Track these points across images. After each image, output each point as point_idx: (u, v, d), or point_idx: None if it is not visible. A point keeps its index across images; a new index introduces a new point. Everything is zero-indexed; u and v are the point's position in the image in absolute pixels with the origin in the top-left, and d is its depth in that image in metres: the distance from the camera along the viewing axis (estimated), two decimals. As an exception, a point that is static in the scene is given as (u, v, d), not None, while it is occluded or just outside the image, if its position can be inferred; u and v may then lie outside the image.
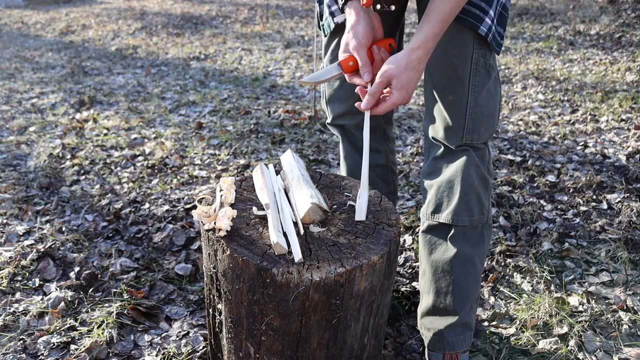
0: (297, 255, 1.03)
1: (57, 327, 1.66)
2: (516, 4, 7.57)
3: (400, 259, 2.03)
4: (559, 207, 2.34)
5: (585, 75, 4.27)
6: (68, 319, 1.70)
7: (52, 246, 2.07)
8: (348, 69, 1.27)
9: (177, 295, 1.85)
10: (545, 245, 2.04)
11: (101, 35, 6.91)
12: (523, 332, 1.63)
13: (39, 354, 1.56)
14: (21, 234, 2.18)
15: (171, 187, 2.60)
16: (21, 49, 6.29)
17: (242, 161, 2.87)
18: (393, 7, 1.21)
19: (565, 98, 3.78)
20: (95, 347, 1.56)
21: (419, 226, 2.10)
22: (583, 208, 2.30)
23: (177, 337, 1.63)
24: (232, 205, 1.23)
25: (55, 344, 1.59)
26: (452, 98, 1.32)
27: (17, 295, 1.82)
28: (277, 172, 1.38)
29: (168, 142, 3.16)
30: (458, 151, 1.36)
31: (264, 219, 1.18)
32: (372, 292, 1.12)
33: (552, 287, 1.82)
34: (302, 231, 1.13)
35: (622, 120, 3.28)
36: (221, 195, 1.21)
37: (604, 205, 2.32)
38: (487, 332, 1.64)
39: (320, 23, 1.50)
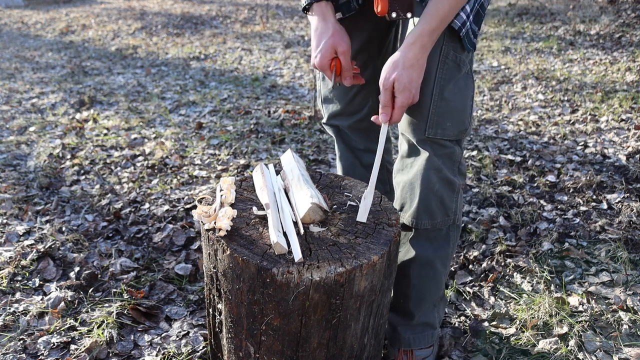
0: (297, 255, 1.03)
1: (57, 327, 1.66)
2: (516, 4, 7.57)
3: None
4: (559, 207, 2.34)
5: (585, 75, 4.27)
6: (68, 319, 1.70)
7: (52, 246, 2.07)
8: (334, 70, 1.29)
9: (177, 295, 1.85)
10: (545, 245, 2.04)
11: (101, 35, 6.90)
12: (523, 332, 1.63)
13: (39, 354, 1.56)
14: (21, 234, 2.18)
15: (171, 187, 2.60)
16: (21, 49, 6.29)
17: (242, 161, 2.87)
18: (410, 15, 1.17)
19: (565, 98, 3.78)
20: (95, 347, 1.56)
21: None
22: (583, 208, 2.30)
23: (177, 337, 1.63)
24: (232, 205, 1.23)
25: (55, 344, 1.59)
26: None
27: (17, 295, 1.82)
28: (277, 172, 1.38)
29: (168, 142, 3.16)
30: (421, 148, 1.31)
31: (264, 218, 1.18)
32: (372, 292, 1.12)
33: (552, 287, 1.82)
34: (302, 231, 1.13)
35: (622, 120, 3.28)
36: (221, 195, 1.21)
37: (604, 205, 2.32)
38: (487, 332, 1.64)
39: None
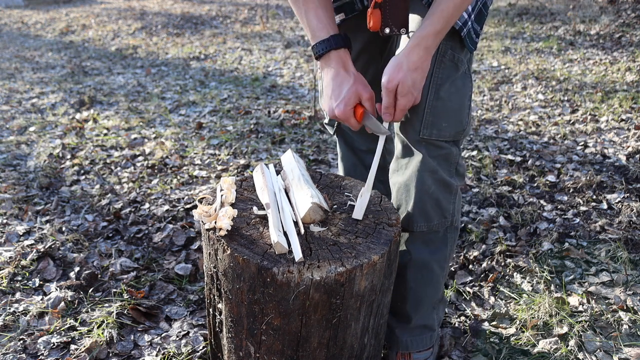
0: (298, 254, 1.03)
1: (57, 327, 1.66)
2: (516, 4, 7.57)
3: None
4: (559, 207, 2.34)
5: (585, 75, 4.27)
6: (68, 319, 1.70)
7: (52, 246, 2.06)
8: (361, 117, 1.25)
9: (177, 295, 1.85)
10: (545, 245, 2.04)
11: (101, 35, 6.91)
12: (523, 332, 1.63)
13: (39, 354, 1.56)
14: (21, 234, 2.18)
15: (171, 187, 2.60)
16: (21, 49, 6.29)
17: (242, 161, 2.87)
18: (404, 31, 1.14)
19: (565, 98, 3.78)
20: (95, 347, 1.56)
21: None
22: (583, 208, 2.31)
23: (177, 337, 1.63)
24: (232, 205, 1.23)
25: (55, 344, 1.59)
26: None
27: (17, 295, 1.82)
28: (278, 172, 1.38)
29: (168, 142, 3.16)
30: (415, 149, 1.29)
31: (264, 218, 1.18)
32: (373, 292, 1.12)
33: (552, 287, 1.82)
34: (302, 231, 1.13)
35: (622, 120, 3.28)
36: (222, 195, 1.21)
37: (604, 205, 2.32)
38: (487, 332, 1.64)
39: None
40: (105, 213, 2.38)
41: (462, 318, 1.72)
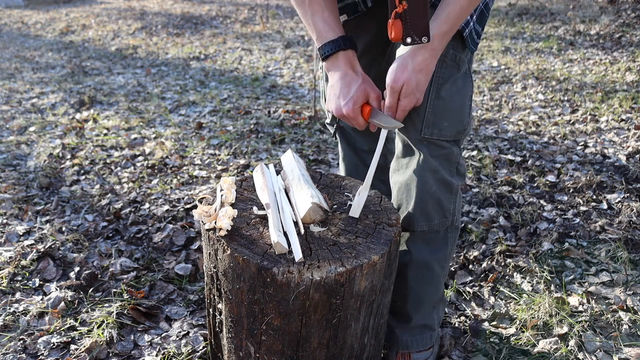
0: (298, 254, 1.03)
1: (57, 327, 1.66)
2: (516, 4, 7.57)
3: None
4: (559, 207, 2.34)
5: (585, 75, 4.27)
6: (68, 319, 1.70)
7: (52, 246, 2.06)
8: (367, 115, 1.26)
9: (177, 295, 1.85)
10: (545, 245, 2.04)
11: (101, 35, 6.91)
12: (523, 332, 1.63)
13: (39, 354, 1.56)
14: (21, 234, 2.18)
15: (171, 187, 2.60)
16: (21, 49, 6.29)
17: (242, 161, 2.87)
18: (426, 39, 1.11)
19: (565, 98, 3.78)
20: (95, 347, 1.56)
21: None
22: (583, 208, 2.31)
23: (177, 337, 1.63)
24: (232, 205, 1.23)
25: (55, 344, 1.59)
26: None
27: (17, 295, 1.82)
28: (278, 172, 1.38)
29: (168, 142, 3.16)
30: (416, 148, 1.30)
31: (264, 218, 1.18)
32: (373, 292, 1.12)
33: (552, 287, 1.82)
34: (302, 231, 1.13)
35: (622, 120, 3.28)
36: (222, 195, 1.21)
37: (604, 205, 2.32)
38: (487, 332, 1.64)
39: None
40: (105, 213, 2.38)
41: (462, 318, 1.72)
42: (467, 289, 1.85)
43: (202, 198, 1.29)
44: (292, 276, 1.02)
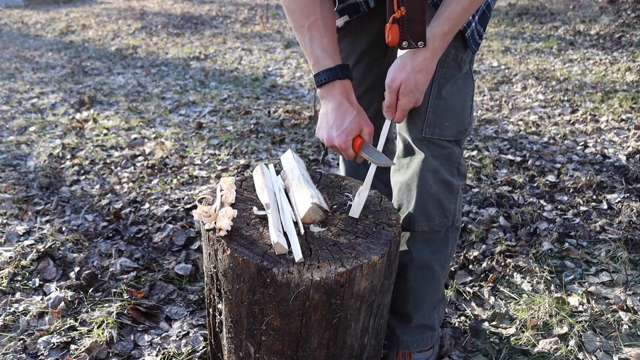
0: (298, 255, 1.03)
1: (57, 327, 1.66)
2: (516, 4, 7.57)
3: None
4: (559, 207, 2.34)
5: (585, 75, 4.27)
6: (68, 319, 1.70)
7: (52, 246, 2.06)
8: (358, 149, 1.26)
9: (177, 295, 1.85)
10: (545, 245, 2.04)
11: (101, 35, 6.90)
12: (523, 332, 1.63)
13: (39, 354, 1.56)
14: (21, 234, 2.18)
15: (171, 187, 2.60)
16: (21, 49, 6.29)
17: (242, 161, 2.87)
18: (422, 44, 1.10)
19: (565, 98, 3.78)
20: (95, 347, 1.56)
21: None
22: (583, 208, 2.30)
23: (177, 337, 1.63)
24: (232, 205, 1.23)
25: (55, 344, 1.59)
26: None
27: (17, 295, 1.82)
28: (278, 172, 1.38)
29: (168, 142, 3.16)
30: (417, 148, 1.30)
31: (264, 218, 1.18)
32: (373, 292, 1.12)
33: (552, 287, 1.82)
34: (302, 231, 1.13)
35: (622, 120, 3.28)
36: (221, 195, 1.21)
37: (604, 205, 2.32)
38: (487, 332, 1.64)
39: None
40: (105, 213, 2.38)
41: (462, 318, 1.72)
42: (467, 289, 1.85)
43: (202, 198, 1.29)
44: (292, 276, 1.02)
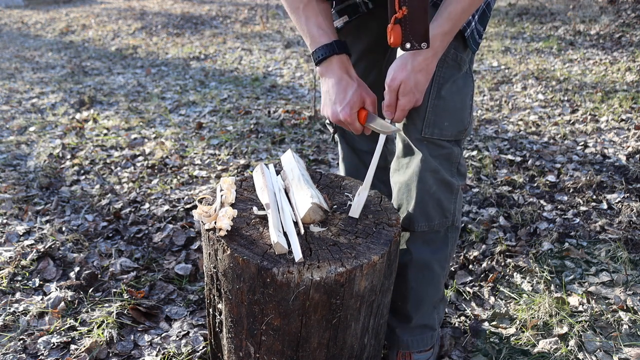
0: (298, 255, 1.03)
1: (57, 327, 1.66)
2: (516, 4, 7.57)
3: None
4: (559, 207, 2.34)
5: (585, 75, 4.27)
6: (68, 319, 1.70)
7: (52, 246, 2.06)
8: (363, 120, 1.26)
9: (177, 295, 1.85)
10: (545, 245, 2.04)
11: (101, 35, 6.90)
12: (523, 332, 1.63)
13: (39, 354, 1.56)
14: (21, 234, 2.18)
15: (171, 187, 2.60)
16: (21, 49, 6.29)
17: (242, 161, 2.87)
18: (425, 45, 1.08)
19: (565, 98, 3.78)
20: (95, 347, 1.56)
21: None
22: (583, 208, 2.30)
23: (177, 337, 1.63)
24: (232, 205, 1.23)
25: (55, 344, 1.59)
26: None
27: (17, 295, 1.82)
28: (278, 172, 1.38)
29: (168, 142, 3.16)
30: (416, 148, 1.29)
31: (264, 218, 1.18)
32: (373, 292, 1.12)
33: (552, 287, 1.82)
34: (302, 231, 1.13)
35: (622, 120, 3.28)
36: (221, 195, 1.21)
37: (604, 205, 2.32)
38: (487, 332, 1.64)
39: None
40: (105, 213, 2.38)
41: (462, 318, 1.72)
42: (467, 289, 1.85)
43: (202, 198, 1.29)
44: (292, 276, 1.02)
